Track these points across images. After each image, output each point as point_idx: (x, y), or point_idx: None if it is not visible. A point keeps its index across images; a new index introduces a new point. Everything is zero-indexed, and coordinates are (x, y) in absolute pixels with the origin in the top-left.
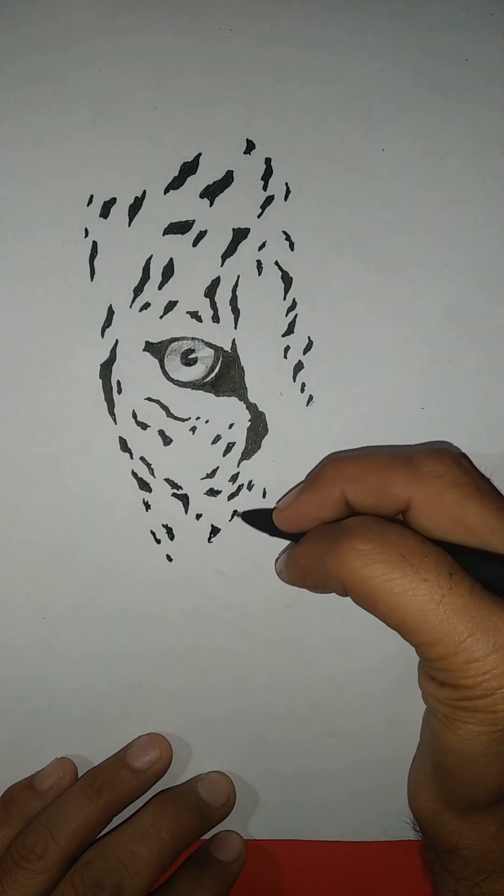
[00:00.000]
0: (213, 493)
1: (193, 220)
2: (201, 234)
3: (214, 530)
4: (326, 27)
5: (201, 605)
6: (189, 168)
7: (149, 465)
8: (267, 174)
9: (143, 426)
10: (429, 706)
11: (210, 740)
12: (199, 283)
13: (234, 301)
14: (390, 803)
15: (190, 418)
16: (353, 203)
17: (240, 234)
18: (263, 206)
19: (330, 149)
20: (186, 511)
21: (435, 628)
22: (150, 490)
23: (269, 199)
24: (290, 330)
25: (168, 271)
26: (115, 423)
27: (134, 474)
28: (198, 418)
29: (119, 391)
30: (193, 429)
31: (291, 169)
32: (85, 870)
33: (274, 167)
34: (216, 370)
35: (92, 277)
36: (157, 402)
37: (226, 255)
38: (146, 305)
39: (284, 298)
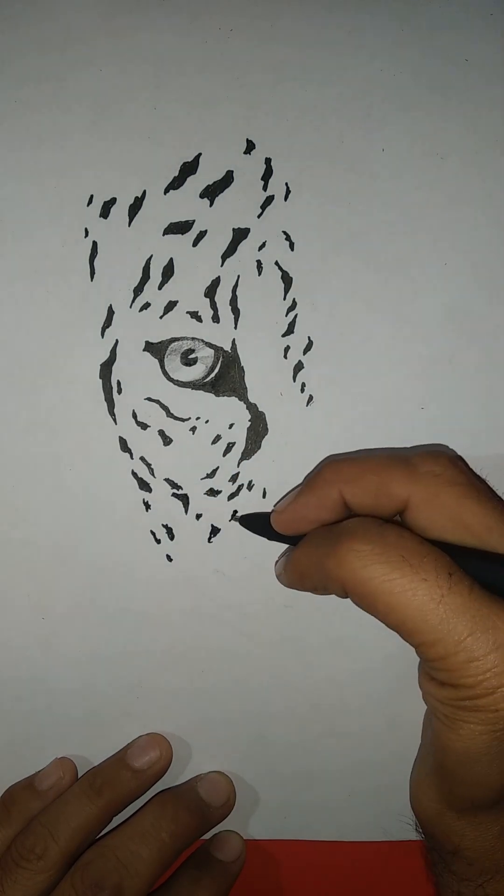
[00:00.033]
0: (213, 493)
1: (193, 220)
2: (201, 234)
3: (214, 530)
4: (326, 27)
5: (201, 605)
6: (189, 168)
7: (149, 465)
8: (267, 174)
9: (143, 426)
10: (429, 706)
11: (210, 740)
12: (199, 283)
13: (234, 301)
14: (390, 803)
15: (190, 418)
16: (353, 203)
17: (240, 234)
18: (263, 206)
19: (330, 149)
20: (186, 511)
21: (435, 628)
22: (150, 490)
23: (269, 199)
24: (290, 330)
25: (168, 271)
26: (115, 423)
27: (134, 474)
28: (198, 418)
29: (119, 391)
30: (193, 429)
31: (291, 169)
32: (85, 870)
33: (274, 167)
34: (216, 370)
35: (92, 277)
36: (157, 402)
37: (226, 255)
38: (146, 305)
39: (284, 298)
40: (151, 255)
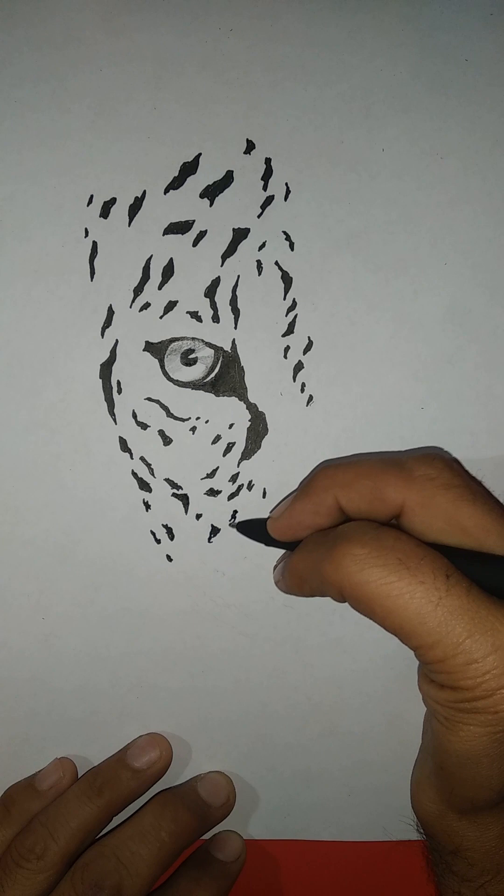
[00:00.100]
0: (213, 493)
1: (193, 220)
2: (201, 234)
3: (214, 530)
4: (326, 27)
5: (201, 605)
6: (189, 168)
7: (149, 465)
8: (267, 174)
9: (143, 426)
10: (429, 708)
11: (210, 740)
12: (199, 283)
13: (234, 301)
14: (391, 803)
15: (190, 418)
16: (353, 203)
17: (240, 234)
18: (263, 206)
19: (330, 149)
20: (186, 511)
21: (433, 631)
22: (150, 490)
23: (269, 199)
24: (290, 330)
25: (168, 271)
26: (115, 423)
27: (134, 474)
28: (198, 418)
29: (119, 391)
30: (193, 429)
31: (291, 169)
32: (85, 870)
33: (274, 167)
34: (216, 370)
35: (92, 277)
36: (157, 402)
37: (226, 255)
38: (146, 305)
39: (284, 298)
40: (151, 255)
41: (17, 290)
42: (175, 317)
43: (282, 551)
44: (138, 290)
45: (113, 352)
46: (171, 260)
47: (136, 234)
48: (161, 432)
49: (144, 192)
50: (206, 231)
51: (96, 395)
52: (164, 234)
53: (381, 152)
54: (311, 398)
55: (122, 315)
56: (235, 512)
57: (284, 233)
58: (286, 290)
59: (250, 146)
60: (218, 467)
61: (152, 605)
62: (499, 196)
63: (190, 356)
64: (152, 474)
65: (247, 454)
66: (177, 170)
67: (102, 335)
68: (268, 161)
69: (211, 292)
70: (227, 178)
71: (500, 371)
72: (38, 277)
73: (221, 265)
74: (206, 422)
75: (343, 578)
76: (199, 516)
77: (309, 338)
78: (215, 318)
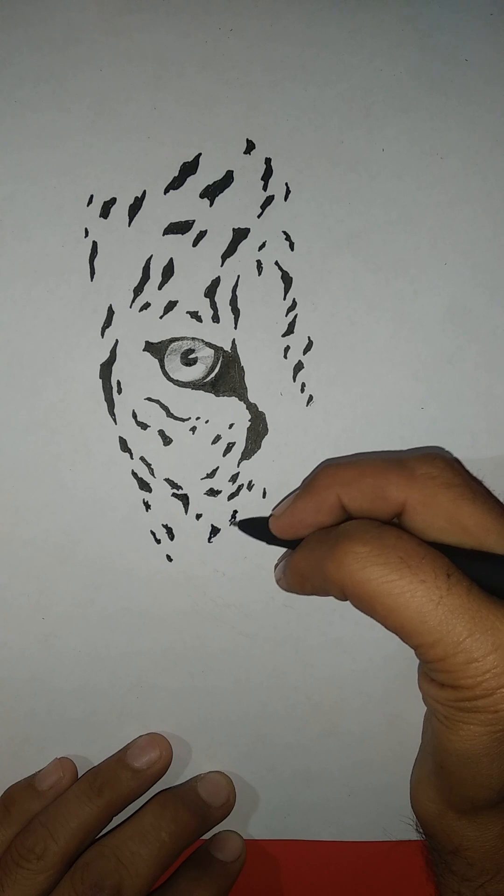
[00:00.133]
0: (213, 493)
1: (193, 220)
2: (201, 234)
3: (214, 530)
4: (326, 27)
5: (201, 605)
6: (189, 168)
7: (149, 465)
8: (267, 174)
9: (143, 426)
10: (429, 708)
11: (210, 740)
12: (199, 283)
13: (234, 301)
14: (391, 803)
15: (190, 418)
16: (353, 203)
17: (240, 234)
18: (263, 206)
19: (330, 149)
20: (186, 511)
21: (434, 629)
22: (150, 490)
23: (269, 199)
24: (290, 330)
25: (168, 271)
26: (115, 423)
27: (134, 474)
28: (198, 418)
29: (119, 391)
30: (193, 429)
31: (291, 169)
32: (85, 870)
33: (274, 167)
34: (216, 370)
35: (92, 277)
36: (157, 402)
37: (226, 255)
38: (146, 305)
39: (284, 298)
40: (151, 255)
41: (17, 290)
42: (175, 317)
43: (282, 551)
44: (138, 290)
45: (113, 352)
46: (171, 260)
47: (136, 234)
48: (161, 432)
49: (144, 192)
50: (206, 231)
51: (96, 395)
52: (164, 234)
53: (381, 152)
54: (311, 398)
55: (122, 315)
56: (235, 512)
57: (284, 233)
58: (286, 290)
59: (250, 146)
60: (218, 467)
61: (152, 605)
62: (499, 196)
63: (190, 356)
64: (152, 474)
65: (247, 454)
66: (177, 170)
67: (102, 335)
68: (268, 161)
69: (211, 292)
70: (227, 178)
71: (500, 371)
72: (38, 277)
73: (221, 265)
74: (206, 422)
75: (345, 576)
76: (199, 516)
77: (309, 338)
78: (215, 318)
